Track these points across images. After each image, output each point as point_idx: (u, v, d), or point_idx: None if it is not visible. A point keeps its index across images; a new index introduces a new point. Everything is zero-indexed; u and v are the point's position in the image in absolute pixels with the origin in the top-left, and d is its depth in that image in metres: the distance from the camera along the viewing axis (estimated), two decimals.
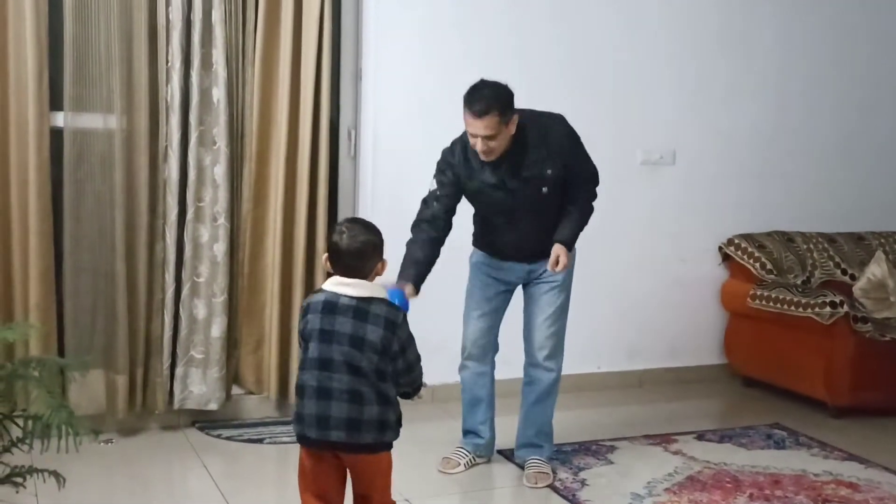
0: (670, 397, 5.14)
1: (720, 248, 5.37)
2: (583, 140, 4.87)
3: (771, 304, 4.95)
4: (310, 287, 4.37)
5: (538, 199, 3.59)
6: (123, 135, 4.03)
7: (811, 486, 3.86)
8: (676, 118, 5.22)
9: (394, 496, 2.83)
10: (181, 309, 4.20)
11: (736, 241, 5.29)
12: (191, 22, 4.07)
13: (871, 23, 5.63)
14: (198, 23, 4.06)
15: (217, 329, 4.23)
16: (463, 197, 3.68)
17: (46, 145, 3.93)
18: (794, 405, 4.96)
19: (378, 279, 2.75)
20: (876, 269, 5.31)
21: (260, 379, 4.46)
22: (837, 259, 5.39)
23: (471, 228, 3.83)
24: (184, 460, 3.96)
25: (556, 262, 3.58)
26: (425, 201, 3.65)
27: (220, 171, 4.18)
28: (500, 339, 3.90)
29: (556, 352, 3.83)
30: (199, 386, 4.24)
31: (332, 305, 2.63)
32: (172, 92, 4.08)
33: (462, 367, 3.86)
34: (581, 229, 3.70)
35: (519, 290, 3.87)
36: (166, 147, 4.12)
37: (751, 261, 5.18)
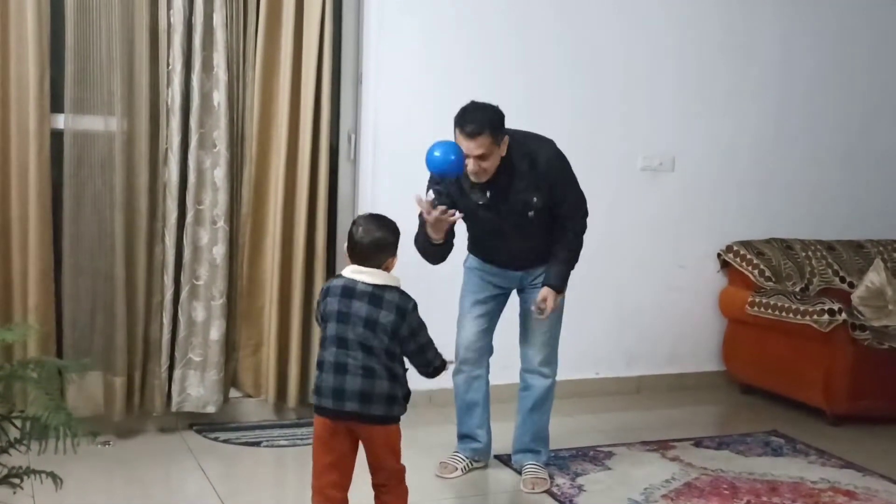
0: (668, 404, 5.14)
1: (719, 255, 5.37)
2: (584, 145, 4.90)
3: (769, 311, 4.95)
4: (309, 290, 4.38)
5: (525, 221, 3.61)
6: (124, 137, 4.03)
7: (808, 493, 3.86)
8: (676, 125, 5.23)
9: None
10: (180, 311, 4.20)
11: (735, 247, 5.29)
12: (192, 25, 4.08)
13: (873, 32, 5.64)
14: (199, 26, 4.07)
15: (216, 332, 4.24)
16: None
17: (47, 147, 3.93)
18: (792, 412, 4.96)
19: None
20: (874, 277, 5.31)
21: (258, 382, 4.46)
22: (836, 267, 5.39)
23: (465, 234, 3.82)
24: (181, 463, 3.95)
25: (543, 303, 3.62)
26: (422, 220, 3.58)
27: (219, 174, 4.19)
28: (498, 344, 3.90)
29: (552, 358, 3.84)
30: (197, 388, 4.25)
31: (349, 290, 2.93)
32: (173, 95, 4.09)
33: (456, 371, 3.85)
34: (571, 269, 3.71)
35: (514, 296, 3.87)
36: (166, 150, 4.13)
37: (749, 268, 5.18)
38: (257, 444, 4.20)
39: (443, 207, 3.37)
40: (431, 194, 3.56)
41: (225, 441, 4.20)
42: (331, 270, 4.58)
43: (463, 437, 3.95)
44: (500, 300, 3.86)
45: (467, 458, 3.92)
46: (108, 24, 3.97)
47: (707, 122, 5.30)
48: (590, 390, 5.12)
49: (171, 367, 4.22)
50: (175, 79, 4.07)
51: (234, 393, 4.47)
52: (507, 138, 3.48)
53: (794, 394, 5.00)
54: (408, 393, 3.00)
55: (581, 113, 4.96)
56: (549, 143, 3.63)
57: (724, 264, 5.36)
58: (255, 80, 4.27)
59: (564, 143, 5.07)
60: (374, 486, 3.02)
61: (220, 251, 4.22)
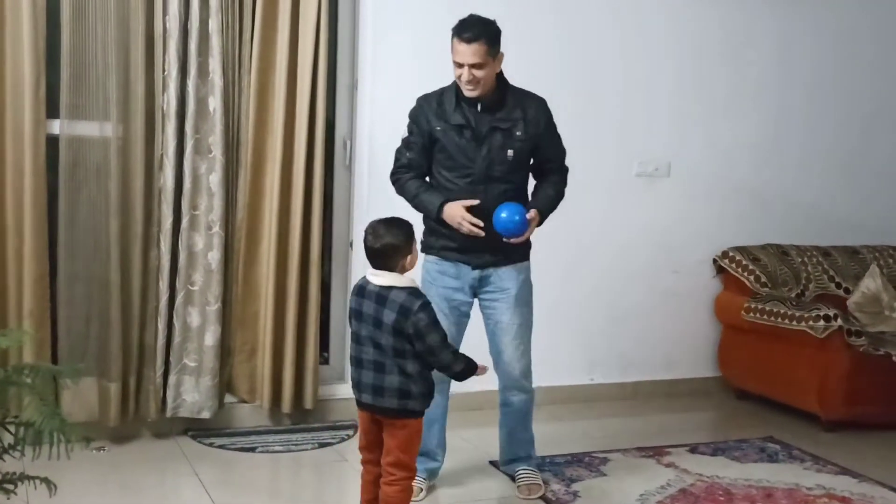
0: (663, 409, 5.14)
1: (714, 261, 5.38)
2: (580, 150, 4.89)
3: (765, 317, 4.95)
4: (304, 296, 4.38)
5: (500, 160, 3.55)
6: (119, 143, 4.03)
7: (804, 499, 3.86)
8: (672, 130, 5.24)
9: None
10: (175, 317, 4.20)
11: (730, 253, 5.30)
12: (188, 31, 4.08)
13: (871, 38, 5.64)
14: (195, 32, 4.08)
15: (211, 337, 4.23)
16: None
17: (42, 152, 3.93)
18: (787, 418, 4.96)
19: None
20: (870, 282, 5.32)
21: (253, 387, 4.46)
22: (832, 273, 5.40)
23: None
24: (176, 468, 3.95)
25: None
26: (398, 151, 3.70)
27: (215, 180, 4.19)
28: (473, 353, 3.82)
29: (528, 369, 3.76)
30: (192, 394, 4.24)
31: (362, 290, 3.12)
32: (169, 100, 4.09)
33: None
34: (554, 208, 3.70)
35: (477, 312, 3.75)
36: (162, 155, 4.13)
37: (745, 273, 5.18)
38: (252, 449, 4.19)
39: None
40: (406, 131, 3.66)
41: (220, 447, 4.19)
42: (326, 275, 4.59)
43: (422, 454, 3.59)
44: (460, 318, 3.68)
45: (426, 479, 3.75)
46: (103, 30, 3.98)
47: (703, 127, 5.31)
48: (585, 396, 5.12)
49: (165, 373, 4.22)
50: (171, 84, 4.08)
51: (229, 398, 4.47)
52: (501, 55, 3.52)
53: (790, 400, 5.00)
54: (427, 390, 3.11)
55: (577, 118, 4.95)
56: (542, 99, 3.70)
57: (720, 270, 5.37)
58: (251, 85, 4.27)
59: None
60: (384, 465, 3.14)
61: (215, 256, 4.22)
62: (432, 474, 3.82)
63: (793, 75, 5.47)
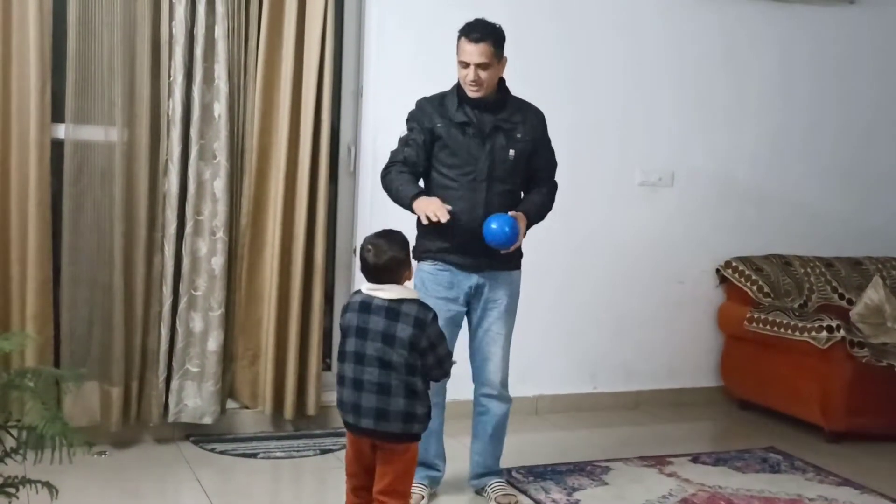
0: (666, 419, 5.14)
1: (717, 271, 5.37)
2: (583, 160, 4.91)
3: (768, 327, 4.95)
4: (307, 302, 4.38)
5: (501, 160, 3.57)
6: (124, 147, 4.04)
7: None
8: (676, 140, 5.24)
9: None
10: (178, 322, 4.20)
11: (733, 263, 5.29)
12: (194, 37, 4.10)
13: (872, 49, 5.64)
14: (200, 38, 4.09)
15: (213, 343, 4.23)
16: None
17: (47, 156, 3.94)
18: (789, 429, 4.95)
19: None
20: (873, 294, 5.31)
21: (255, 393, 4.46)
22: (835, 283, 5.39)
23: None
24: (177, 474, 3.95)
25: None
26: (394, 153, 3.66)
27: (219, 185, 4.19)
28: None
29: (507, 379, 3.77)
30: (194, 399, 4.24)
31: (367, 305, 2.97)
32: (174, 106, 4.10)
33: None
34: (541, 217, 3.70)
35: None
36: (166, 160, 4.14)
37: (748, 283, 5.18)
38: (254, 455, 4.19)
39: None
40: (405, 129, 3.64)
41: (221, 452, 4.19)
42: (329, 282, 4.59)
43: (421, 465, 3.62)
44: (453, 329, 3.62)
45: (427, 486, 3.75)
46: (109, 35, 3.99)
47: (706, 137, 5.31)
48: (587, 404, 5.12)
49: (168, 378, 4.22)
50: (176, 90, 4.09)
51: (231, 404, 4.47)
52: (505, 60, 3.58)
53: (792, 410, 4.99)
54: (428, 410, 3.01)
55: (581, 127, 4.97)
56: (539, 109, 3.74)
57: (723, 280, 5.37)
58: (256, 91, 4.28)
59: (564, 156, 5.08)
60: (376, 493, 3.01)
61: (218, 262, 4.22)
62: (434, 482, 3.81)
63: (794, 85, 5.47)
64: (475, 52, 3.47)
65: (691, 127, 5.27)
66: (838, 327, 4.65)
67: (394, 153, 3.68)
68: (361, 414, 2.95)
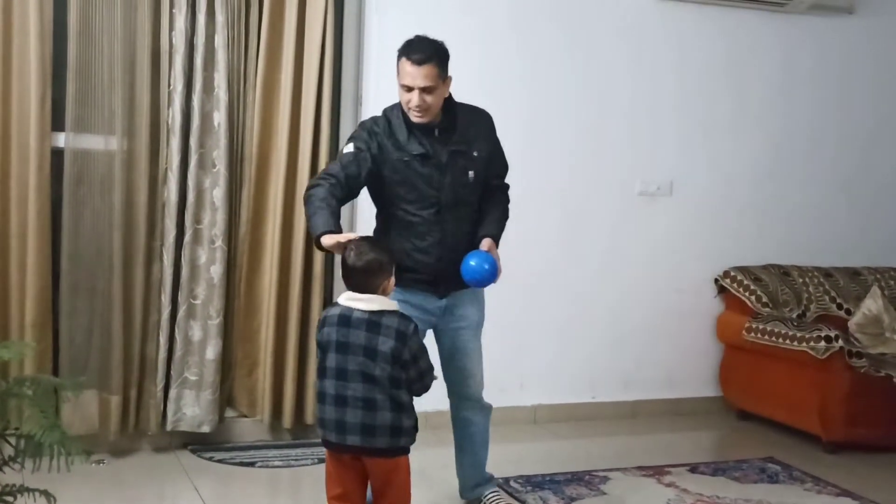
0: (664, 429, 5.13)
1: (716, 280, 5.38)
2: (583, 169, 4.91)
3: (766, 337, 4.95)
4: (306, 311, 4.38)
5: (462, 184, 3.38)
6: (124, 156, 4.05)
7: None
8: (675, 150, 5.25)
9: None
10: (176, 330, 4.20)
11: (732, 273, 5.30)
12: (193, 46, 4.11)
13: (874, 60, 5.65)
14: (200, 47, 4.10)
15: (212, 351, 4.24)
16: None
17: (47, 165, 3.95)
18: (788, 439, 4.95)
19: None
20: (871, 304, 5.31)
21: (253, 402, 4.46)
22: (833, 294, 5.40)
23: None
24: (175, 482, 3.94)
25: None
26: (331, 167, 3.34)
27: (218, 194, 4.20)
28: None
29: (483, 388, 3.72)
30: (193, 408, 4.24)
31: (346, 319, 2.87)
32: (174, 115, 4.11)
33: None
34: (503, 230, 3.52)
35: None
36: (166, 169, 4.15)
37: (746, 293, 5.18)
38: (252, 464, 4.19)
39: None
40: (351, 147, 3.30)
41: (220, 461, 4.19)
42: (328, 291, 4.59)
43: None
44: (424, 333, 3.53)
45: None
46: (110, 44, 4.00)
47: (706, 147, 5.32)
48: (586, 414, 5.11)
49: (166, 386, 4.22)
50: (176, 99, 4.10)
51: (229, 412, 4.47)
52: (450, 79, 3.33)
53: (791, 420, 4.99)
54: (415, 423, 2.94)
55: (581, 136, 4.99)
56: (487, 112, 3.54)
57: (722, 290, 5.37)
58: (256, 100, 4.29)
59: (564, 165, 5.12)
60: None
61: (217, 270, 4.22)
62: None
63: (795, 96, 5.49)
64: (418, 75, 3.20)
65: (691, 136, 5.28)
66: (837, 337, 4.65)
67: (328, 167, 3.37)
68: (347, 430, 2.85)
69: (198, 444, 4.31)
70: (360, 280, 2.89)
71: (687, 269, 5.33)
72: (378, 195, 3.44)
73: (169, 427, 4.23)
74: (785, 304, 5.21)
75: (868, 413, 4.71)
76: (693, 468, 4.43)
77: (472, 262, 3.28)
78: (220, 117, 4.17)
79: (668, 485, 4.18)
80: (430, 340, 3.59)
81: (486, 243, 3.38)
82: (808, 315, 5.24)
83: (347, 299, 2.90)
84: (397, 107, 3.38)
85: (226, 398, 4.41)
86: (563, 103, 4.94)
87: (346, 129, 4.63)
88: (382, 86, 4.59)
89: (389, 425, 2.85)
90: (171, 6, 4.08)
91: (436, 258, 3.39)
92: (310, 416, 4.44)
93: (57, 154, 4.02)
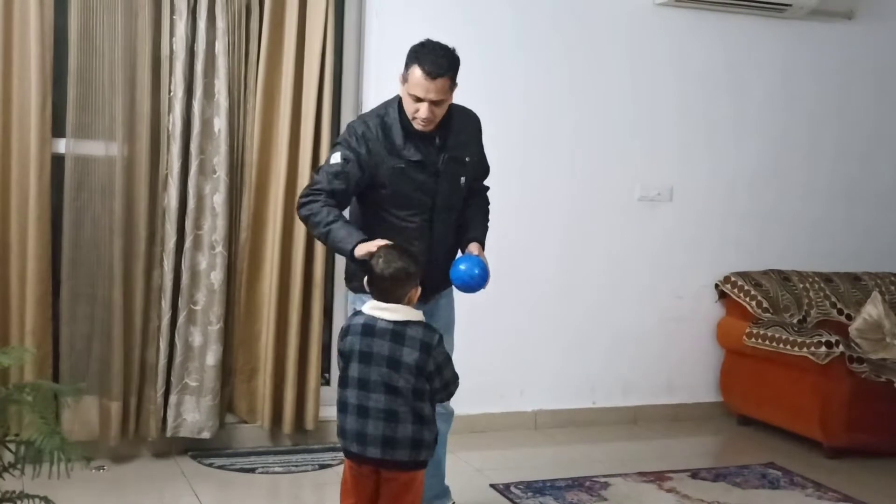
0: (665, 434, 5.13)
1: (717, 286, 5.37)
2: (583, 174, 4.90)
3: (767, 342, 4.95)
4: (306, 316, 4.38)
5: (455, 191, 3.31)
6: (124, 162, 4.06)
7: None
8: (675, 155, 5.25)
9: None
10: (177, 336, 4.20)
11: (732, 278, 5.30)
12: (194, 52, 4.12)
13: (874, 65, 5.65)
14: (201, 53, 4.11)
15: (212, 357, 4.23)
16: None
17: (48, 171, 3.95)
18: (789, 445, 4.94)
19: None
20: (872, 309, 5.31)
21: (253, 408, 4.45)
22: (834, 299, 5.39)
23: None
24: (175, 488, 3.94)
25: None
26: (318, 177, 3.21)
27: (219, 200, 4.20)
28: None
29: None
30: (193, 414, 4.24)
31: (370, 328, 2.81)
32: (174, 121, 4.11)
33: None
34: (486, 232, 3.44)
35: None
36: (166, 175, 4.15)
37: (747, 299, 5.18)
38: (252, 470, 4.18)
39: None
40: (338, 157, 3.15)
41: (220, 467, 4.19)
42: (328, 297, 4.59)
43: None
44: None
45: None
46: (110, 50, 4.01)
47: (706, 152, 5.32)
48: (586, 420, 5.11)
49: (166, 392, 4.22)
50: (176, 105, 4.10)
51: (229, 418, 4.46)
52: (456, 86, 3.20)
53: (792, 426, 4.99)
54: (435, 436, 2.89)
55: (581, 141, 4.99)
56: (475, 113, 3.45)
57: (722, 295, 5.36)
58: (256, 106, 4.29)
59: (564, 170, 5.12)
60: None
61: (218, 276, 4.22)
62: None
63: (795, 102, 5.48)
64: (432, 88, 3.06)
65: (690, 142, 5.28)
66: (837, 343, 4.65)
67: (317, 178, 3.23)
68: (367, 442, 2.80)
69: (198, 450, 4.31)
70: (386, 288, 2.83)
71: (687, 275, 5.33)
72: (363, 197, 3.30)
73: (169, 433, 4.23)
74: (786, 309, 5.21)
75: (869, 418, 4.70)
76: (694, 474, 4.42)
77: (462, 267, 3.19)
78: (220, 123, 4.17)
79: (669, 490, 4.18)
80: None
81: (474, 247, 3.31)
82: (809, 320, 5.24)
83: (372, 308, 2.84)
84: (394, 107, 3.24)
85: (226, 404, 4.41)
86: (564, 109, 4.94)
87: None
88: (382, 92, 4.58)
89: (410, 438, 2.80)
90: (172, 12, 4.09)
91: (424, 264, 3.24)
92: (310, 422, 4.43)
93: (57, 160, 4.02)
